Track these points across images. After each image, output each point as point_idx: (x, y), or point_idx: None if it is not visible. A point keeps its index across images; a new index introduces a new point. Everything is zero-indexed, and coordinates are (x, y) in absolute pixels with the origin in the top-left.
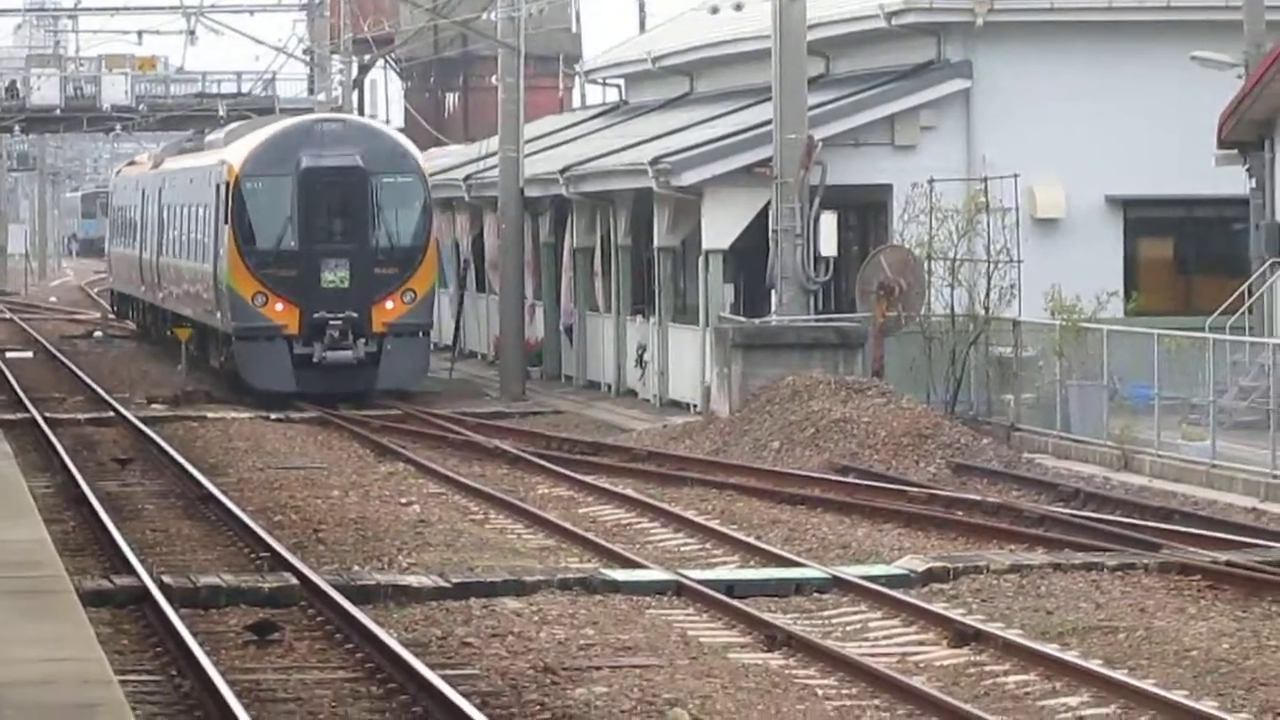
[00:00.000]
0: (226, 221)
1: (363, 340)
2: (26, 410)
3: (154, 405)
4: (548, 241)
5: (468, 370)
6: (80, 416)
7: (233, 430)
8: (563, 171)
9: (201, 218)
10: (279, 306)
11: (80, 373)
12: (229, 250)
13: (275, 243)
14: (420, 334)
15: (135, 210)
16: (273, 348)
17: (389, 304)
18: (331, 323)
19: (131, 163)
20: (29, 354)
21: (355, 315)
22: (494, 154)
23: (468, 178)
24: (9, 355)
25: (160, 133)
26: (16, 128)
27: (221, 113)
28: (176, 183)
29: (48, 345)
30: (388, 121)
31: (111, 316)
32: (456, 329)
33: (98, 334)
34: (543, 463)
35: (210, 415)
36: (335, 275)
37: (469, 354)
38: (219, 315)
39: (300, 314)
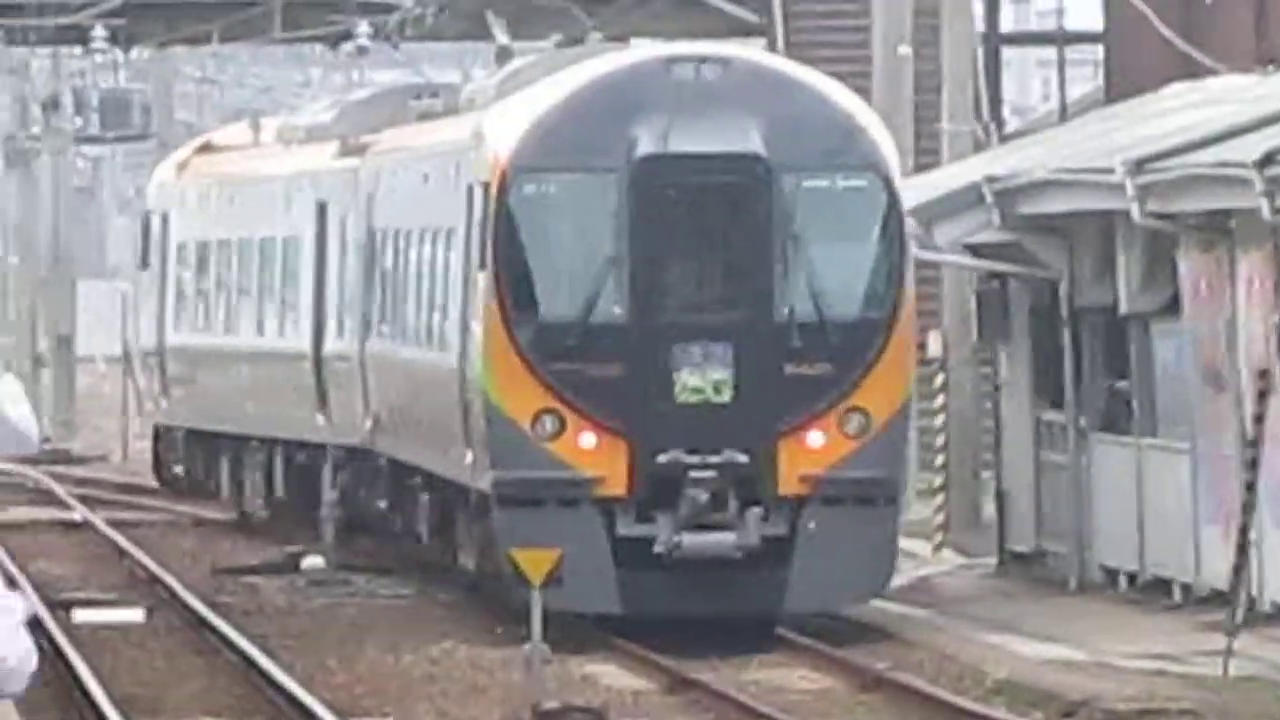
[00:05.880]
0: (483, 266)
1: (758, 511)
2: None
3: None
4: None
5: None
6: None
7: None
8: None
9: (440, 260)
10: (587, 440)
11: (272, 669)
12: (487, 324)
13: (581, 310)
14: (881, 502)
15: (256, 250)
16: (574, 523)
17: (814, 436)
18: (694, 475)
19: (203, 147)
20: (136, 616)
21: (744, 459)
22: None
23: (1269, 158)
24: (79, 619)
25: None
26: (97, 30)
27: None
28: (398, 183)
29: (180, 592)
30: (1058, 27)
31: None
32: (1240, 554)
33: (312, 561)
34: None
35: None
36: (704, 378)
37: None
38: (468, 458)
39: (631, 455)
